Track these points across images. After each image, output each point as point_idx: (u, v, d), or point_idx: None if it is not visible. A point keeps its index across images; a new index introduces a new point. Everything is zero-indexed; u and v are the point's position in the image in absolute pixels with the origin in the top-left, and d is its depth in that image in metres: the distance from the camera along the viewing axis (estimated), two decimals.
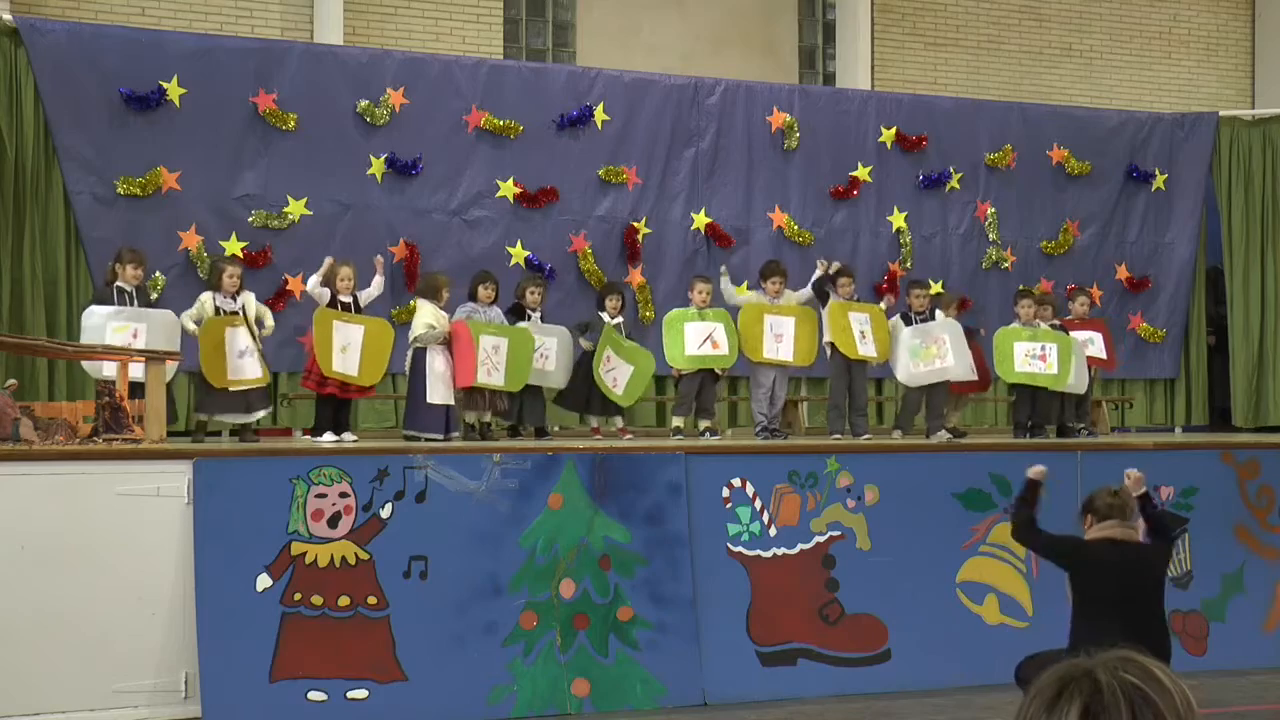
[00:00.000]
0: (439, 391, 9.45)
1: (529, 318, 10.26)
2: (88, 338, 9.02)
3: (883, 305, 11.09)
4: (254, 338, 9.37)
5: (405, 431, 9.68)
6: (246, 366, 9.26)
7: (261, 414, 9.64)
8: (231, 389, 9.26)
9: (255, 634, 7.26)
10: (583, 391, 10.29)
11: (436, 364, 9.48)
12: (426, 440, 9.14)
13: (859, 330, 10.40)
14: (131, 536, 7.21)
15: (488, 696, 7.57)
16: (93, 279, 10.51)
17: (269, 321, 9.77)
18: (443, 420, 9.44)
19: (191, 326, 9.34)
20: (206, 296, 9.46)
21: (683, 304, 10.80)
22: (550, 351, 10.15)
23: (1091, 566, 6.22)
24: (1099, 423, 11.97)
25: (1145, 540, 6.52)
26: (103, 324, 8.98)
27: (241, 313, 9.42)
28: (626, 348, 10.29)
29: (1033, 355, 10.63)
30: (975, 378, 10.71)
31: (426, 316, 9.61)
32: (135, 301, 9.38)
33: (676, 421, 10.35)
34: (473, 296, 10.19)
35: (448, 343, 9.58)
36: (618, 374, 10.21)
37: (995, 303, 13.22)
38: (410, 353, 9.71)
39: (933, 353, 10.49)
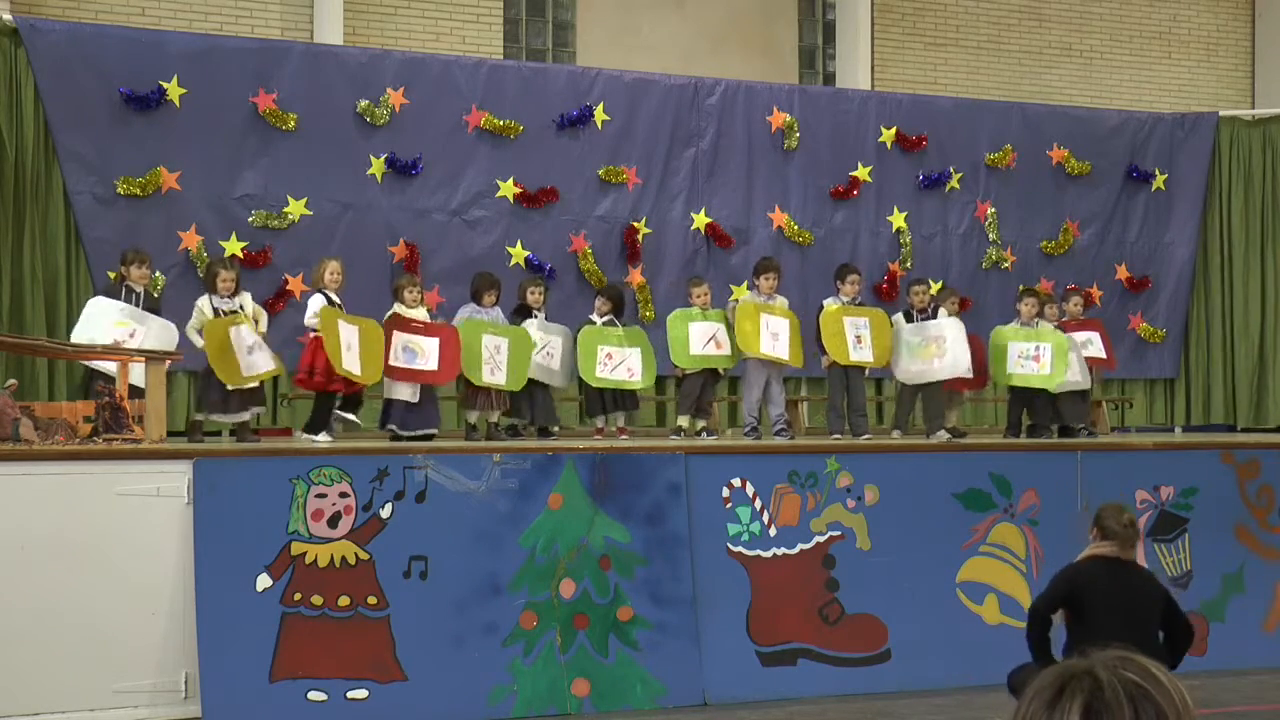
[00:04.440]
0: (393, 388, 9.47)
1: (535, 316, 10.25)
2: (88, 324, 8.99)
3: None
4: (257, 332, 9.34)
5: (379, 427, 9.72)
6: (259, 361, 9.19)
7: (252, 412, 9.52)
8: (246, 386, 9.16)
9: (255, 634, 7.26)
10: (597, 395, 10.32)
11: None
12: (418, 440, 9.14)
13: (854, 335, 10.36)
14: (131, 536, 7.21)
15: (488, 696, 7.57)
16: (93, 279, 10.52)
17: (264, 321, 9.70)
18: (401, 414, 9.43)
19: (197, 339, 9.22)
20: (204, 301, 9.36)
21: (683, 304, 10.77)
22: (555, 350, 10.16)
23: (1085, 587, 6.13)
24: (1099, 423, 11.96)
25: (1141, 564, 6.42)
26: (107, 315, 8.96)
27: (240, 311, 9.38)
28: (622, 335, 10.28)
29: (1026, 356, 10.59)
30: (971, 375, 10.65)
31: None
32: (142, 303, 9.36)
33: (681, 421, 10.34)
34: (477, 298, 10.16)
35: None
36: (629, 363, 10.21)
37: (995, 303, 13.23)
38: None
39: (931, 351, 10.45)
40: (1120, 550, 6.13)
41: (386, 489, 7.59)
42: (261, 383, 9.51)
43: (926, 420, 10.63)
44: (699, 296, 10.42)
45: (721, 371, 10.64)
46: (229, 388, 9.10)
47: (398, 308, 9.68)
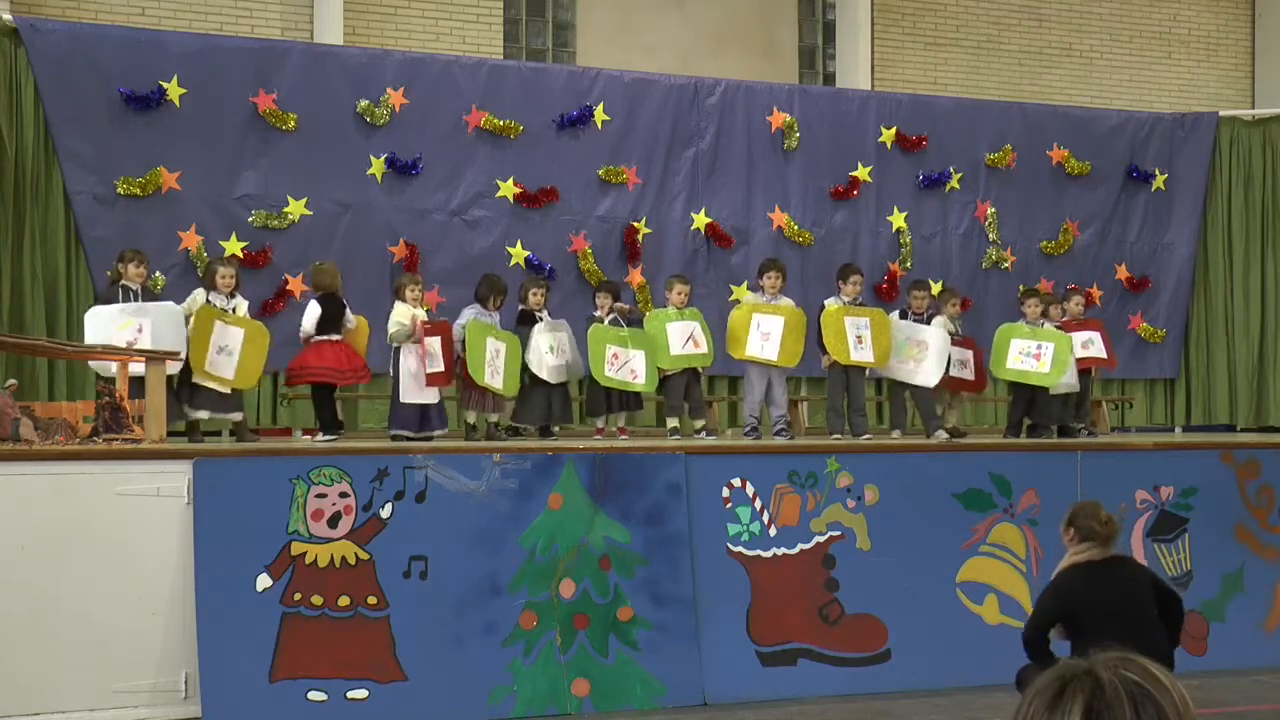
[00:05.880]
0: (410, 390, 9.40)
1: (539, 320, 10.20)
2: (93, 337, 8.92)
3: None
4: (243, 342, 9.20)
5: (390, 431, 9.59)
6: (222, 364, 9.02)
7: (228, 416, 9.38)
8: (202, 381, 8.98)
9: (255, 634, 7.26)
10: (601, 395, 10.29)
11: (409, 363, 9.42)
12: (419, 440, 9.11)
13: (855, 335, 10.34)
14: (131, 536, 7.21)
15: (488, 696, 7.57)
16: (93, 279, 10.52)
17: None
18: (417, 418, 9.39)
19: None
20: (200, 293, 9.33)
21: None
22: (565, 345, 10.12)
23: (1075, 602, 6.04)
24: (1099, 423, 11.97)
25: (1122, 553, 6.36)
26: (108, 322, 8.90)
27: (232, 314, 9.33)
28: (628, 336, 10.26)
29: (1026, 353, 10.59)
30: (932, 384, 10.56)
31: (398, 315, 9.58)
32: (140, 299, 9.31)
33: (672, 422, 10.34)
34: (484, 301, 10.10)
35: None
36: (634, 364, 10.15)
37: (995, 303, 13.23)
38: (391, 352, 9.63)
39: (912, 354, 10.45)
40: (1101, 551, 6.07)
41: (386, 489, 7.59)
42: (237, 391, 9.31)
43: (923, 421, 10.64)
44: (677, 294, 10.41)
45: (701, 370, 10.62)
46: (193, 380, 8.97)
47: (401, 305, 9.64)
